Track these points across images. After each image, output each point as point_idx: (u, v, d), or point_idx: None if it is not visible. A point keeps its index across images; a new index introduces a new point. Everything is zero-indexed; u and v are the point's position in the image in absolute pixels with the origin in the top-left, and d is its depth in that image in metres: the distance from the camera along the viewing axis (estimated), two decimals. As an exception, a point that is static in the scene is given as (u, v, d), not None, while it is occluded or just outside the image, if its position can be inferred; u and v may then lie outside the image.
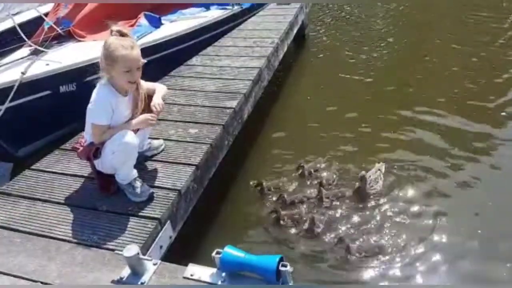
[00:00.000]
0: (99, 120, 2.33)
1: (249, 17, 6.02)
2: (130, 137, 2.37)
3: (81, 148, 2.48)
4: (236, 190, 3.42)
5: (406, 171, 3.46)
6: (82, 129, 2.54)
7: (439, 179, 3.35)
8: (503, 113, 4.25)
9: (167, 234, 2.40)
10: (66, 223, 2.36)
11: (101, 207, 2.46)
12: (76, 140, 2.62)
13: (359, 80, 5.31)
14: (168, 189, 2.54)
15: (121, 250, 1.99)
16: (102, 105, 2.32)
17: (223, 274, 1.87)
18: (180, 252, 2.53)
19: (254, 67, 4.20)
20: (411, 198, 3.20)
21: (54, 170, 2.85)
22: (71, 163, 2.90)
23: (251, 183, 3.40)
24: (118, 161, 2.40)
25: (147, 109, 2.55)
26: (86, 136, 2.47)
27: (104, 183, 2.54)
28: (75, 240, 2.23)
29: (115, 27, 2.30)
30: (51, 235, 2.28)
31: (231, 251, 1.84)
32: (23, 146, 4.03)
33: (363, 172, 3.15)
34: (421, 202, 3.13)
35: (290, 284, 1.78)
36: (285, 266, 1.75)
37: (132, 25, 5.08)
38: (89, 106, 2.34)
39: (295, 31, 5.89)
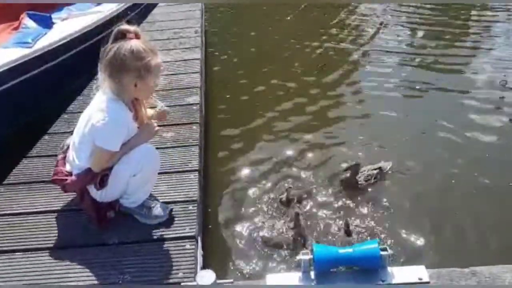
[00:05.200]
0: (114, 146, 1.89)
1: (148, 9, 5.54)
2: (154, 153, 2.01)
3: (69, 179, 2.00)
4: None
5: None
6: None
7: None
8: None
9: (200, 253, 2.10)
10: (77, 269, 1.89)
11: (111, 240, 2.04)
12: (53, 171, 2.10)
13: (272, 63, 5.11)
14: (184, 201, 2.22)
15: (180, 282, 1.71)
16: (119, 128, 1.89)
17: (312, 275, 1.72)
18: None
19: (194, 58, 3.92)
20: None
21: (15, 211, 2.26)
22: (32, 199, 2.33)
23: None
24: (140, 183, 2.01)
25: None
26: (79, 162, 1.99)
27: (101, 215, 2.09)
28: (101, 286, 1.81)
29: (125, 27, 1.85)
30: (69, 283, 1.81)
31: (323, 249, 1.70)
32: None
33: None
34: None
35: (388, 267, 1.71)
36: (385, 250, 1.68)
37: (15, 28, 4.30)
38: (99, 126, 1.85)
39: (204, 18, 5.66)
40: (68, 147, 2.09)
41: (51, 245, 2.03)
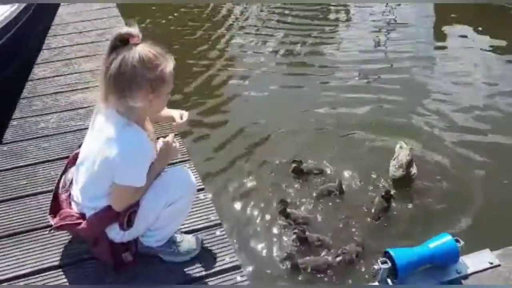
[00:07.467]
0: (139, 181, 1.56)
1: (48, 10, 4.78)
2: (191, 175, 1.72)
3: (84, 223, 1.61)
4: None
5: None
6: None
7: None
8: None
9: (243, 281, 1.87)
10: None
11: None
12: (58, 215, 1.68)
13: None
14: (208, 227, 1.95)
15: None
16: (141, 159, 1.56)
17: (389, 282, 1.63)
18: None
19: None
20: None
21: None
22: (20, 257, 1.83)
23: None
24: (173, 215, 1.70)
25: None
26: (90, 203, 1.63)
27: (118, 259, 1.73)
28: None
29: (126, 31, 1.50)
30: None
31: (402, 253, 1.61)
32: None
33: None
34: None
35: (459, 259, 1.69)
36: (458, 241, 1.65)
37: None
38: (117, 160, 1.50)
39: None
40: (70, 183, 1.70)
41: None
